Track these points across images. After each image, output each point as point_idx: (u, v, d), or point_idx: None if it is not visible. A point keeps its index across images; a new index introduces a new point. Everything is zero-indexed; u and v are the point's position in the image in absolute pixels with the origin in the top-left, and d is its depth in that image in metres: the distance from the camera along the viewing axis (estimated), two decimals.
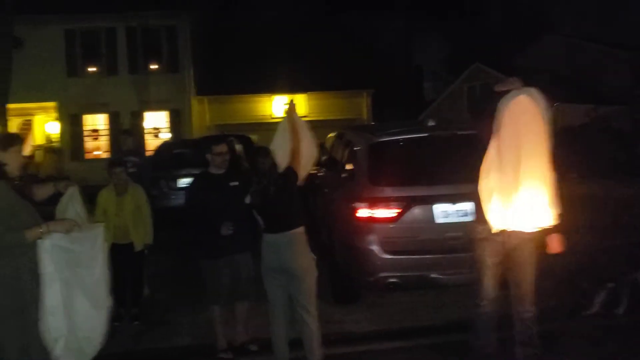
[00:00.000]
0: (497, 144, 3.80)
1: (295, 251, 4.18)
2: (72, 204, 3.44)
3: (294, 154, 4.33)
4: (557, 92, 15.31)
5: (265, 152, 4.31)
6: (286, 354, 4.25)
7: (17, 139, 3.48)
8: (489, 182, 3.85)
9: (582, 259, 5.28)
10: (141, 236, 5.78)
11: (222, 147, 4.82)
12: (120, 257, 5.50)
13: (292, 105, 4.65)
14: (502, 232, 3.92)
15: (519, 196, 3.74)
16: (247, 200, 4.38)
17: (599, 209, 5.71)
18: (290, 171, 4.27)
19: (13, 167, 3.34)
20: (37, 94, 20.37)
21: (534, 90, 3.82)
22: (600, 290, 5.33)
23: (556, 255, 4.08)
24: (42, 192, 3.61)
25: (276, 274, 4.21)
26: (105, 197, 5.72)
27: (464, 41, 28.42)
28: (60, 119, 21.74)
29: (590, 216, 5.55)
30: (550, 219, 3.82)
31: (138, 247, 5.74)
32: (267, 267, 4.24)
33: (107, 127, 21.79)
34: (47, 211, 3.47)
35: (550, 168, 3.80)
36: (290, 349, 4.29)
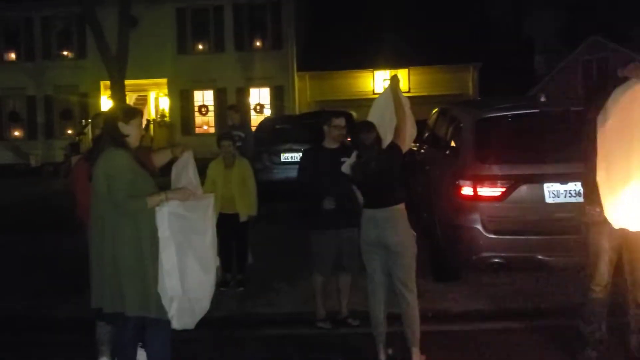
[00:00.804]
0: (604, 134, 3.58)
1: (395, 227, 4.17)
2: (186, 169, 3.63)
3: (399, 130, 4.29)
4: None
5: (369, 126, 4.27)
6: (384, 328, 4.27)
7: (138, 112, 3.70)
8: (600, 174, 3.63)
9: None
10: (246, 207, 6.00)
11: (341, 121, 4.87)
12: (227, 226, 5.77)
13: (396, 80, 4.60)
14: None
15: (627, 192, 3.52)
16: (346, 170, 4.39)
17: None
18: (395, 147, 4.25)
19: (133, 138, 3.57)
20: (150, 71, 21.55)
21: None
22: None
23: None
24: (161, 158, 3.85)
25: (375, 249, 4.22)
26: (214, 168, 5.99)
27: (581, 11, 26.60)
28: (171, 94, 22.88)
29: None
30: None
31: (243, 217, 5.98)
32: (366, 242, 4.27)
33: (214, 102, 22.66)
34: (161, 181, 3.69)
35: None
36: (389, 324, 4.30)
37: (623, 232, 3.75)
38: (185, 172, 3.62)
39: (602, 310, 3.95)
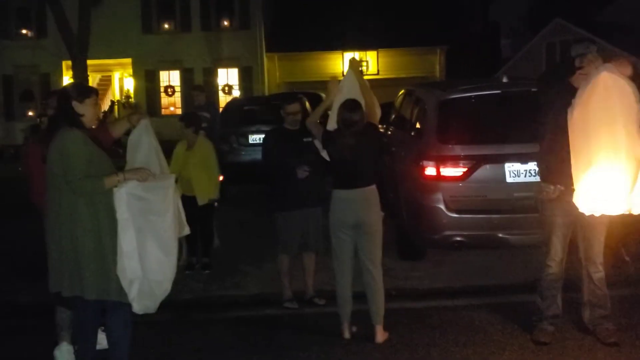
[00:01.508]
0: (571, 125, 3.70)
1: (369, 208, 4.19)
2: (145, 135, 3.56)
3: (369, 111, 4.30)
4: None
5: (354, 105, 4.19)
6: (350, 306, 4.31)
7: (93, 91, 3.59)
8: (572, 162, 3.75)
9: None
10: (205, 190, 5.84)
11: (295, 107, 4.87)
12: (190, 209, 5.70)
13: (355, 62, 4.62)
14: (572, 192, 3.80)
15: (587, 179, 3.65)
16: (321, 150, 4.40)
17: None
18: (372, 127, 4.26)
19: (89, 118, 3.47)
20: (115, 51, 21.08)
21: (610, 66, 3.64)
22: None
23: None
24: (118, 128, 3.73)
25: (347, 229, 4.21)
26: (178, 150, 5.91)
27: None
28: (136, 75, 22.45)
29: None
30: (624, 207, 3.67)
31: (201, 201, 5.81)
32: (339, 222, 4.24)
33: (180, 83, 22.33)
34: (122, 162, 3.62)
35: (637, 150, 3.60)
36: (354, 302, 4.35)
37: (576, 209, 3.85)
38: (145, 138, 3.55)
39: (557, 285, 4.07)
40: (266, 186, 5.12)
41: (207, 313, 5.07)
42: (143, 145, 3.56)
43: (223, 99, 20.86)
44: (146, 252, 3.36)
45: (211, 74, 22.05)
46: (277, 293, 5.09)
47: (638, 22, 19.74)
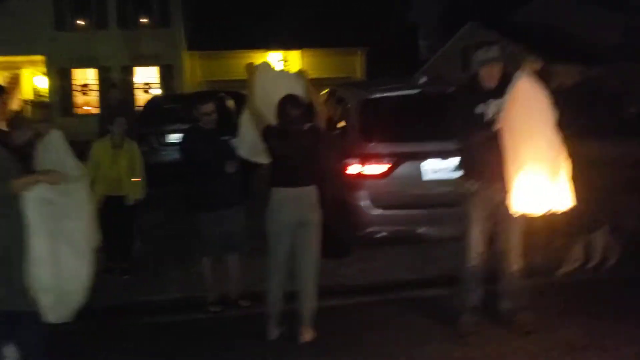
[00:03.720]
0: (504, 128, 3.86)
1: (312, 206, 4.19)
2: (53, 147, 3.37)
3: (318, 113, 4.31)
4: (551, 51, 15.22)
5: (296, 101, 4.12)
6: (280, 306, 4.26)
7: (1, 90, 3.40)
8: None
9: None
10: (134, 189, 5.76)
11: (209, 107, 4.77)
12: (112, 209, 5.53)
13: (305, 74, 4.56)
14: (490, 186, 3.95)
15: (517, 182, 3.82)
16: (238, 148, 4.35)
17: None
18: (318, 127, 4.25)
19: None
20: (24, 47, 20.06)
21: (526, 74, 3.82)
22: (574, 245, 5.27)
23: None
24: (22, 135, 3.53)
25: (291, 228, 4.15)
26: (101, 149, 5.70)
27: None
28: (49, 73, 21.45)
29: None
30: (552, 204, 3.83)
31: (130, 200, 5.74)
32: (283, 221, 4.14)
33: (96, 81, 21.55)
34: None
35: (557, 152, 3.78)
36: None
37: (495, 203, 4.01)
38: (53, 149, 3.37)
39: (478, 277, 4.19)
40: (185, 186, 5.00)
41: (130, 319, 4.92)
42: (53, 149, 3.36)
43: (143, 98, 20.29)
44: (59, 259, 3.18)
45: (129, 73, 21.40)
46: (202, 296, 4.98)
47: (552, 21, 20.87)
